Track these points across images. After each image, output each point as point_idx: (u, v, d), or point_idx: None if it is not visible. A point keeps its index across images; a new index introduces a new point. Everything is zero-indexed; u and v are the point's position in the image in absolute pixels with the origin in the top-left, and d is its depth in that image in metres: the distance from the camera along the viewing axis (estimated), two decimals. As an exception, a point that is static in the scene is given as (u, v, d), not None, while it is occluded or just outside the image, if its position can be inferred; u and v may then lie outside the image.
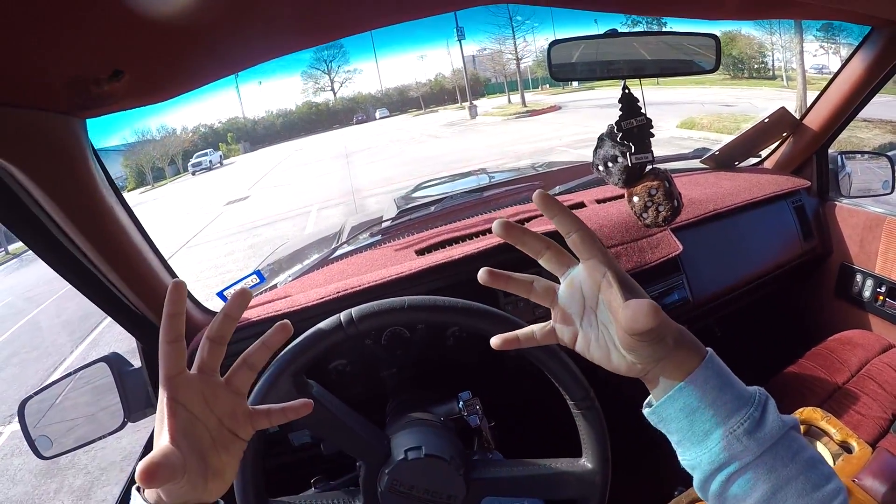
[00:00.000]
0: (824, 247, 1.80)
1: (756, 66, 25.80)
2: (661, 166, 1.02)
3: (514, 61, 32.92)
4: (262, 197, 15.51)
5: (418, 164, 13.62)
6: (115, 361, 1.23)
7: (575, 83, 37.65)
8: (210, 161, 31.84)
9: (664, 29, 0.96)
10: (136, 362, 1.25)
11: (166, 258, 1.15)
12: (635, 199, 1.00)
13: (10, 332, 8.35)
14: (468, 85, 33.35)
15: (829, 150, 1.79)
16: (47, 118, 0.71)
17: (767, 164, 1.87)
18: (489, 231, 1.41)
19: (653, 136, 0.97)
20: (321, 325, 0.78)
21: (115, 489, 3.45)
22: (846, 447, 0.99)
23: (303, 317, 1.10)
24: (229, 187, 19.27)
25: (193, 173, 30.55)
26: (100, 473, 3.70)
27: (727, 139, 1.87)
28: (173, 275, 1.17)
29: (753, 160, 1.93)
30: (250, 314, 1.16)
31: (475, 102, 29.34)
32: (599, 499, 0.78)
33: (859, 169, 1.80)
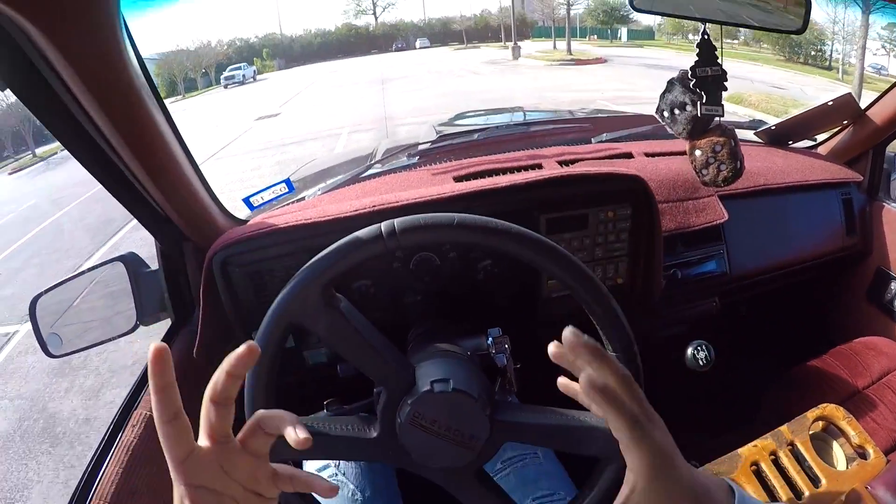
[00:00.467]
0: (865, 246, 1.73)
1: (813, 52, 24.73)
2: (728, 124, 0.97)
3: (565, 5, 31.84)
4: (292, 115, 15.36)
5: (455, 98, 13.35)
6: (131, 261, 1.21)
7: (623, 37, 36.57)
8: (243, 75, 31.53)
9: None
10: (154, 265, 1.24)
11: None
12: (697, 152, 0.96)
13: (33, 233, 8.51)
14: (514, 24, 32.34)
15: (888, 149, 1.70)
16: None
17: (822, 150, 1.78)
18: (534, 167, 1.37)
19: (726, 89, 0.92)
20: (359, 233, 0.71)
21: (122, 392, 3.51)
22: (862, 452, 0.96)
23: (334, 228, 1.06)
24: (261, 103, 19.09)
25: (226, 86, 30.26)
26: (110, 376, 3.80)
27: (774, 121, 1.79)
28: (203, 180, 1.15)
29: (808, 143, 1.85)
30: (278, 220, 1.12)
31: (519, 43, 28.50)
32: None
33: None
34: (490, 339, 0.95)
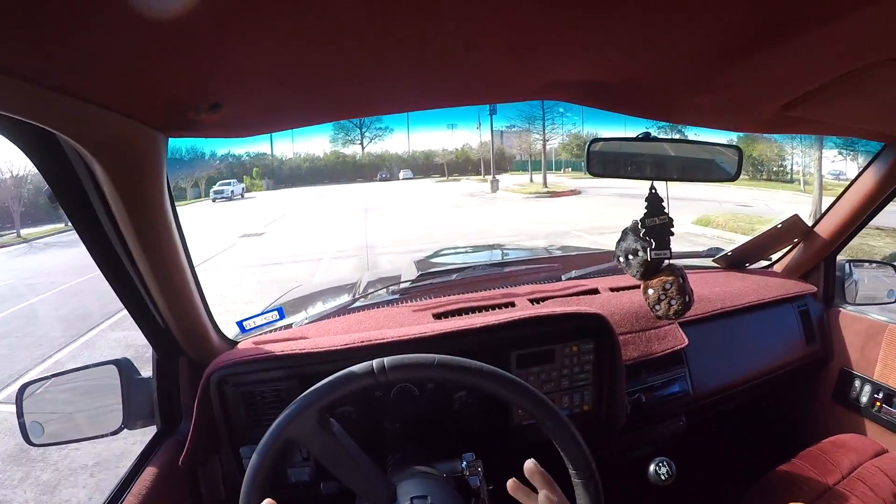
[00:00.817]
0: (826, 351, 1.86)
1: (775, 168, 26.23)
2: (677, 262, 1.09)
3: (541, 141, 33.56)
4: (276, 236, 15.59)
5: (435, 230, 13.70)
6: (125, 366, 1.26)
7: (597, 171, 38.28)
8: (232, 191, 32.05)
9: (690, 136, 1.06)
10: (144, 373, 1.29)
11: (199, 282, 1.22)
12: (650, 291, 1.08)
13: (7, 312, 8.31)
14: (493, 159, 33.94)
15: (838, 258, 1.87)
16: (138, 128, 0.79)
17: (777, 268, 1.95)
18: (507, 305, 1.50)
19: (672, 234, 1.05)
20: (353, 368, 0.83)
21: (80, 493, 3.37)
22: None
23: (326, 359, 1.17)
24: (247, 220, 19.47)
25: (214, 200, 30.66)
26: (69, 473, 3.60)
27: (741, 239, 1.97)
28: (203, 297, 1.25)
29: (764, 263, 2.01)
30: (274, 348, 1.21)
31: (498, 177, 29.76)
32: None
33: (866, 277, 1.87)
34: (465, 462, 1.02)
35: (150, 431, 1.30)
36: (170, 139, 0.89)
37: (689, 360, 1.57)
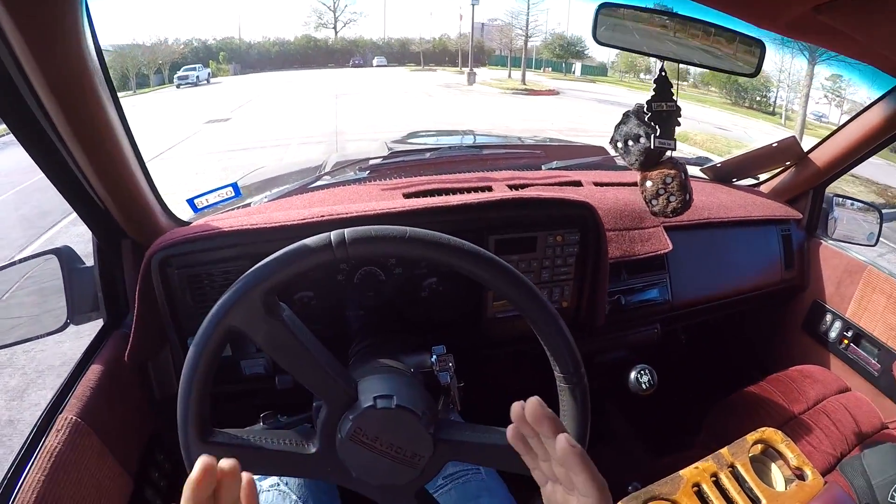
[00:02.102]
0: (802, 280, 1.83)
1: (759, 98, 26.08)
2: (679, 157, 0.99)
3: (523, 37, 32.54)
4: (242, 122, 15.07)
5: (407, 119, 13.43)
6: (66, 256, 1.16)
7: (577, 71, 37.63)
8: (197, 77, 30.79)
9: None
10: (90, 262, 1.19)
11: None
12: (648, 183, 0.98)
13: None
14: (472, 51, 32.81)
15: (826, 190, 1.81)
16: None
17: (764, 188, 1.88)
18: (483, 189, 1.38)
19: (679, 125, 0.94)
20: (307, 241, 0.68)
21: (48, 394, 3.33)
22: (800, 474, 0.99)
23: (280, 235, 1.03)
24: (213, 106, 18.71)
25: (178, 86, 29.45)
26: (36, 376, 3.58)
27: (718, 159, 1.88)
28: (148, 177, 1.11)
29: (751, 182, 1.94)
30: (223, 224, 1.09)
31: (475, 70, 28.91)
32: None
33: (845, 217, 1.82)
34: (434, 356, 0.94)
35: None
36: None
37: (671, 267, 1.51)
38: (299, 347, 0.70)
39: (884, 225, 1.77)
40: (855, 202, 1.85)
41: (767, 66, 0.92)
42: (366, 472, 0.73)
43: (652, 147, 0.92)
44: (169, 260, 1.05)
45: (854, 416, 1.45)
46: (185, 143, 11.74)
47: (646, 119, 0.92)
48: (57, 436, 0.93)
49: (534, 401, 0.60)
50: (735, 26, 0.93)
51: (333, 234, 0.68)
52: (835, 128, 1.61)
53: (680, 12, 0.91)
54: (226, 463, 0.54)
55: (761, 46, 0.93)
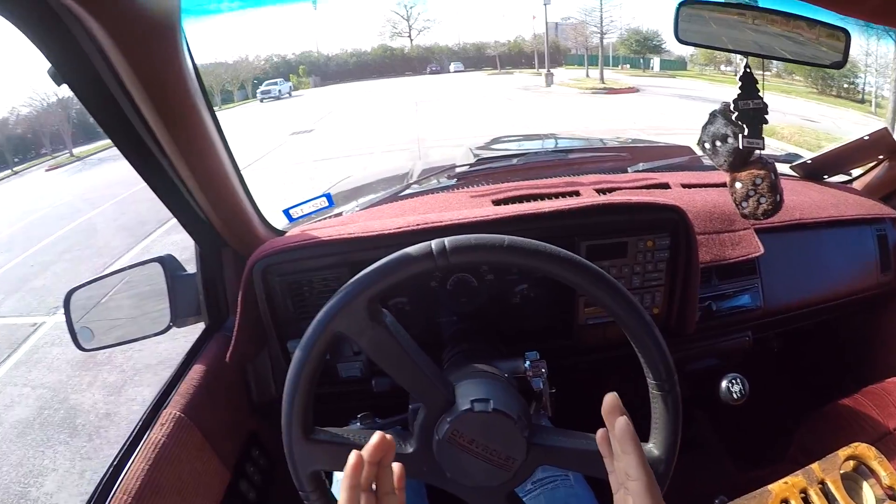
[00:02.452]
0: None
1: (846, 85, 24.43)
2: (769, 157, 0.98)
3: (598, 34, 31.92)
4: (326, 132, 15.57)
5: (487, 124, 13.41)
6: (168, 263, 1.24)
7: (656, 67, 36.48)
8: (280, 90, 31.92)
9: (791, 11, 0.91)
10: (191, 269, 1.27)
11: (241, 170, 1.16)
12: (738, 185, 0.96)
13: (68, 228, 8.72)
14: (547, 51, 32.50)
15: None
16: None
17: (857, 185, 1.77)
18: (572, 194, 1.38)
19: (767, 122, 0.93)
20: (409, 249, 0.70)
21: (145, 390, 3.61)
22: (892, 494, 0.94)
23: (377, 244, 1.08)
24: (296, 118, 19.40)
25: (262, 100, 30.61)
26: (133, 374, 3.85)
27: (807, 154, 1.79)
28: (246, 189, 1.18)
29: (844, 178, 1.84)
30: (321, 233, 1.14)
31: (552, 70, 28.58)
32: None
33: None
34: (528, 362, 0.95)
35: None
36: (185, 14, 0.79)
37: (763, 271, 1.45)
38: (401, 352, 0.73)
39: None
40: None
41: (853, 50, 0.89)
42: (460, 473, 0.75)
43: (740, 147, 0.91)
44: (270, 268, 1.12)
45: (957, 431, 1.35)
46: (272, 155, 12.22)
47: (733, 118, 0.91)
48: (161, 429, 0.98)
49: (610, 396, 0.63)
50: (817, 16, 0.91)
51: (434, 243, 0.70)
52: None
53: (761, 4, 0.91)
54: (371, 454, 0.60)
55: (846, 34, 0.91)
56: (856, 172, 1.80)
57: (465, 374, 0.85)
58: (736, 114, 0.90)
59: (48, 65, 0.73)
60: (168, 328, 1.22)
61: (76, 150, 18.87)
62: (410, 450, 0.76)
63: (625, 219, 1.21)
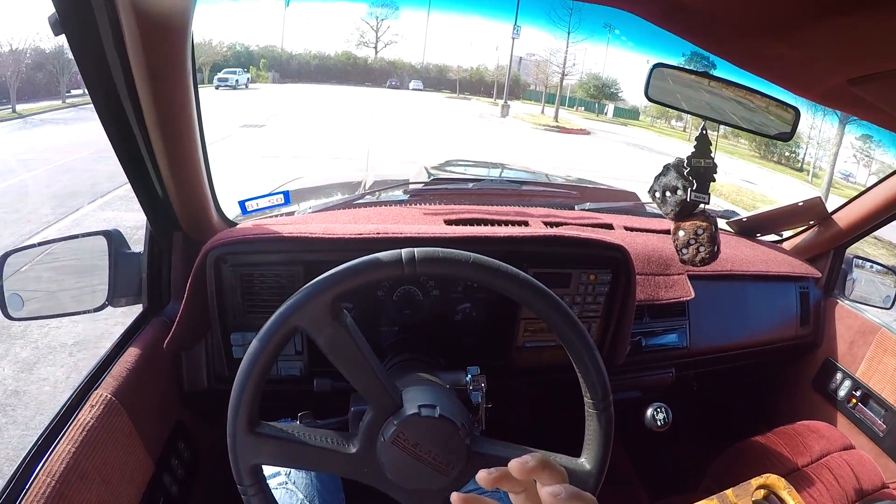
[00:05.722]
0: (816, 337, 1.86)
1: (787, 153, 25.95)
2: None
3: (559, 74, 32.77)
4: (277, 130, 15.30)
5: (439, 145, 13.52)
6: (115, 238, 1.20)
7: (609, 113, 37.74)
8: (237, 80, 31.10)
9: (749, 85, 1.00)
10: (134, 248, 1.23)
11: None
12: (681, 233, 1.04)
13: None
14: (508, 83, 33.13)
15: (847, 251, 1.85)
16: None
17: (786, 245, 1.92)
18: (521, 223, 1.44)
19: (714, 181, 1.00)
20: (380, 255, 0.73)
21: (58, 370, 3.41)
22: None
23: (336, 247, 1.10)
24: (249, 111, 19.01)
25: (217, 87, 29.65)
26: (48, 352, 3.63)
27: (742, 213, 1.94)
28: (209, 174, 1.17)
29: (774, 238, 1.98)
30: (281, 229, 1.14)
31: (509, 102, 29.14)
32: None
33: (864, 278, 1.87)
34: (469, 376, 0.98)
35: (133, 313, 1.24)
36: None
37: (691, 314, 1.56)
38: (357, 353, 0.74)
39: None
40: (875, 265, 1.89)
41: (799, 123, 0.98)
42: (401, 476, 0.77)
43: (688, 200, 0.99)
44: (225, 257, 1.10)
45: (856, 473, 1.47)
46: (218, 145, 11.91)
47: (685, 173, 0.98)
48: (90, 410, 0.95)
49: (521, 460, 0.61)
50: (772, 92, 0.99)
51: (405, 252, 0.73)
52: (861, 188, 1.65)
53: (723, 77, 0.98)
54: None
55: (796, 112, 0.99)
56: (786, 234, 1.95)
57: (411, 380, 0.88)
58: (688, 169, 0.97)
59: (51, 11, 0.72)
60: (103, 306, 1.18)
61: (20, 108, 17.84)
62: (353, 450, 0.77)
63: (572, 252, 1.27)
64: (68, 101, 20.18)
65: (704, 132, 0.98)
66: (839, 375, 1.79)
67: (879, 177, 1.61)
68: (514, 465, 0.60)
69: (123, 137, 0.95)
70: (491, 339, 1.30)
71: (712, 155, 0.99)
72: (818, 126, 22.24)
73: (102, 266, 1.18)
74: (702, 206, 1.02)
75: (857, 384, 1.72)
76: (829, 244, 1.81)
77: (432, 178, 1.91)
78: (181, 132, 0.97)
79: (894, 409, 1.59)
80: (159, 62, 0.81)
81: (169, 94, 0.88)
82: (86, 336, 3.66)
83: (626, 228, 1.62)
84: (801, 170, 24.36)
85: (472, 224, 1.38)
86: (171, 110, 0.91)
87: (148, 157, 1.00)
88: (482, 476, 0.62)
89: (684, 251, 1.05)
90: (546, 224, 1.47)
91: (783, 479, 1.07)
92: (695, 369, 1.70)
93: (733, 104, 1.00)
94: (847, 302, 1.84)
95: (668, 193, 1.02)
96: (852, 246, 1.84)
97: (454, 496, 0.68)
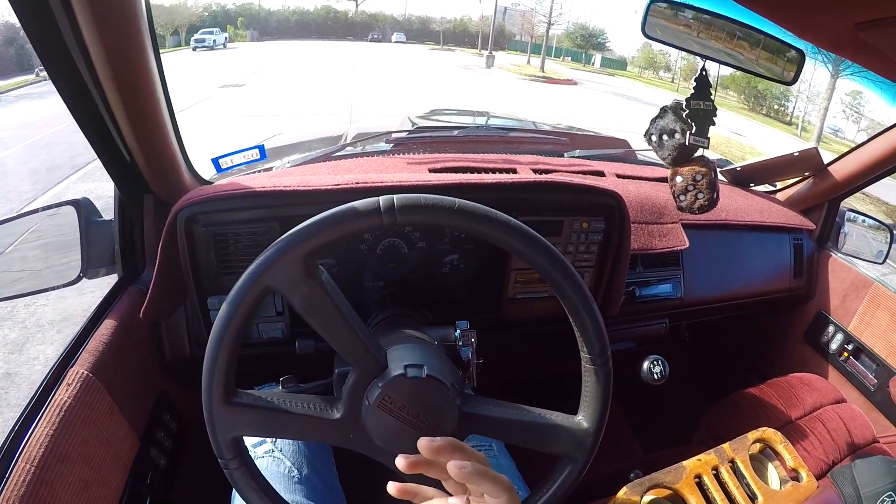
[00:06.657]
0: (808, 290, 1.84)
1: (777, 106, 25.86)
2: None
3: (545, 24, 32.19)
4: (257, 89, 15.02)
5: (423, 97, 13.35)
6: (84, 207, 1.13)
7: (597, 63, 37.32)
8: (214, 41, 30.52)
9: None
10: (107, 216, 1.16)
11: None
12: (678, 179, 0.99)
13: None
14: (493, 34, 32.45)
15: (841, 204, 1.82)
16: None
17: (780, 196, 1.88)
18: (508, 171, 1.39)
19: (714, 124, 0.95)
20: (355, 204, 0.66)
21: (48, 348, 3.36)
22: (795, 476, 1.01)
23: (313, 199, 1.02)
24: (228, 71, 18.65)
25: (194, 49, 29.06)
26: (36, 330, 3.56)
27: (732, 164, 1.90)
28: (178, 133, 1.09)
29: (768, 188, 1.95)
30: (253, 184, 1.06)
31: (494, 53, 28.65)
32: (585, 460, 0.74)
33: (856, 232, 1.83)
34: (458, 331, 0.93)
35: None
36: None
37: (685, 263, 1.53)
38: (335, 311, 0.69)
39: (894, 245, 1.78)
40: (868, 219, 1.86)
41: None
42: (388, 440, 0.72)
43: (686, 143, 0.93)
44: (196, 217, 1.03)
45: (848, 426, 1.47)
46: (198, 107, 11.69)
47: (683, 115, 0.93)
48: (67, 390, 0.91)
49: (424, 440, 0.64)
50: (778, 34, 0.93)
51: (383, 199, 0.67)
52: (850, 144, 1.60)
53: (727, 14, 0.92)
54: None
55: (801, 55, 0.94)
56: (780, 185, 1.92)
57: (396, 338, 0.82)
58: (687, 111, 0.92)
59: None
60: (78, 279, 1.12)
61: (-7, 84, 17.36)
62: (337, 415, 0.72)
63: (564, 199, 1.21)
64: (41, 73, 19.69)
65: (704, 73, 0.92)
66: (831, 328, 1.78)
67: (869, 133, 1.57)
68: (422, 443, 0.62)
69: (77, 97, 0.88)
70: (480, 291, 1.26)
71: (712, 97, 0.93)
72: (809, 79, 22.17)
73: (74, 238, 1.12)
74: (701, 150, 0.97)
75: (849, 338, 1.71)
76: (824, 196, 1.77)
77: (416, 127, 1.84)
78: (140, 87, 0.89)
79: (886, 364, 1.59)
80: (106, 12, 0.74)
81: (122, 47, 0.80)
82: (73, 311, 3.58)
83: (618, 176, 1.58)
84: (790, 123, 24.38)
85: (457, 172, 1.32)
86: (127, 64, 0.83)
87: (107, 115, 0.92)
88: (400, 462, 0.64)
89: (682, 198, 1.00)
90: (535, 171, 1.43)
91: (779, 433, 1.05)
92: (687, 319, 1.68)
93: (735, 43, 0.94)
94: (840, 255, 1.82)
95: (665, 137, 0.97)
96: (845, 200, 1.81)
97: (391, 486, 0.67)
